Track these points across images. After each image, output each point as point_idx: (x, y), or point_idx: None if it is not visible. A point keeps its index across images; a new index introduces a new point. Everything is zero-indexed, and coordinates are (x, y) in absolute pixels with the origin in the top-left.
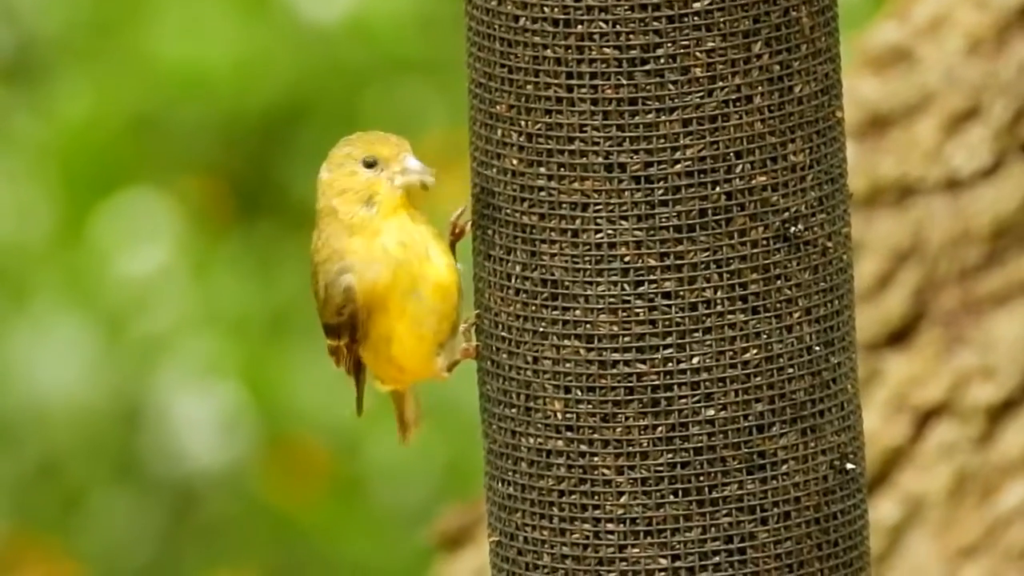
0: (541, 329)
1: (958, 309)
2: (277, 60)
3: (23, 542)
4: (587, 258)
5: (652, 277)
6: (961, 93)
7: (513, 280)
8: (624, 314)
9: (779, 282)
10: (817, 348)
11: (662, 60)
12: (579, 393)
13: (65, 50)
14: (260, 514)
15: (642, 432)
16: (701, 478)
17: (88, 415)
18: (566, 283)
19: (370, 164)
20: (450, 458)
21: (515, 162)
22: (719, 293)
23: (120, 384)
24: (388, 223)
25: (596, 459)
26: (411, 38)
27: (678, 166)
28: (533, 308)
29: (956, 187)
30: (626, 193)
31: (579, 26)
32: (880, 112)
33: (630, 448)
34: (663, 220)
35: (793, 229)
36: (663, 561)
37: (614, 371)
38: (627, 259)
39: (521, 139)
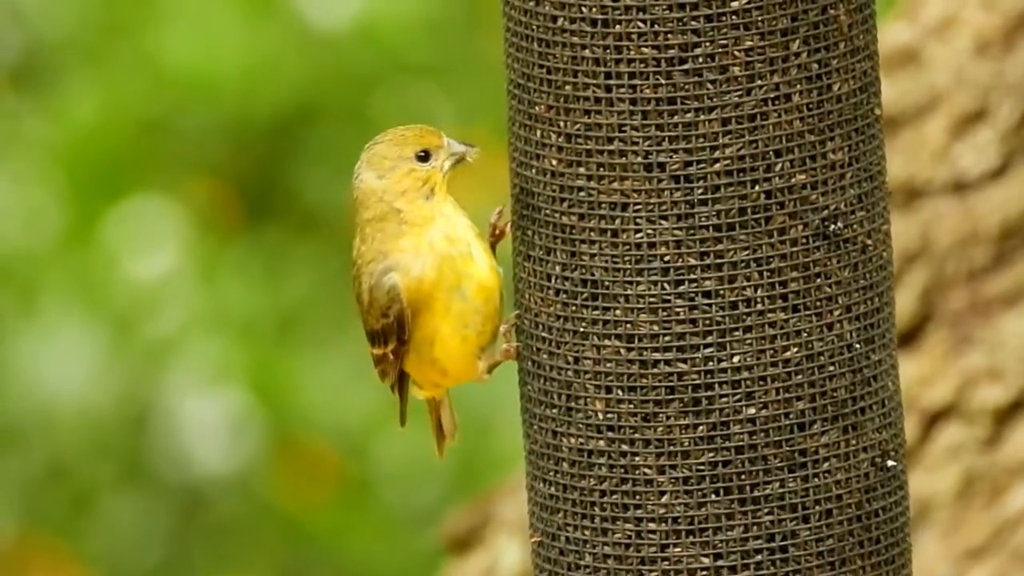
0: (582, 329)
1: (966, 310)
2: (285, 64)
3: (31, 545)
4: (627, 258)
5: (692, 276)
6: (969, 94)
7: (553, 280)
8: (664, 313)
9: (819, 280)
10: (858, 346)
11: (700, 59)
12: (620, 393)
13: (73, 53)
14: (269, 517)
15: (683, 431)
16: (743, 477)
17: (96, 418)
18: (606, 283)
19: (424, 157)
20: (459, 459)
21: (554, 162)
22: (759, 292)
23: (128, 387)
24: (442, 208)
25: (637, 459)
26: (418, 42)
27: (717, 165)
28: (573, 308)
29: (964, 188)
30: (665, 192)
31: (617, 26)
32: (889, 113)
33: (671, 447)
34: (703, 219)
35: (833, 227)
36: (705, 560)
37: (655, 371)
38: (667, 258)
39: (560, 139)
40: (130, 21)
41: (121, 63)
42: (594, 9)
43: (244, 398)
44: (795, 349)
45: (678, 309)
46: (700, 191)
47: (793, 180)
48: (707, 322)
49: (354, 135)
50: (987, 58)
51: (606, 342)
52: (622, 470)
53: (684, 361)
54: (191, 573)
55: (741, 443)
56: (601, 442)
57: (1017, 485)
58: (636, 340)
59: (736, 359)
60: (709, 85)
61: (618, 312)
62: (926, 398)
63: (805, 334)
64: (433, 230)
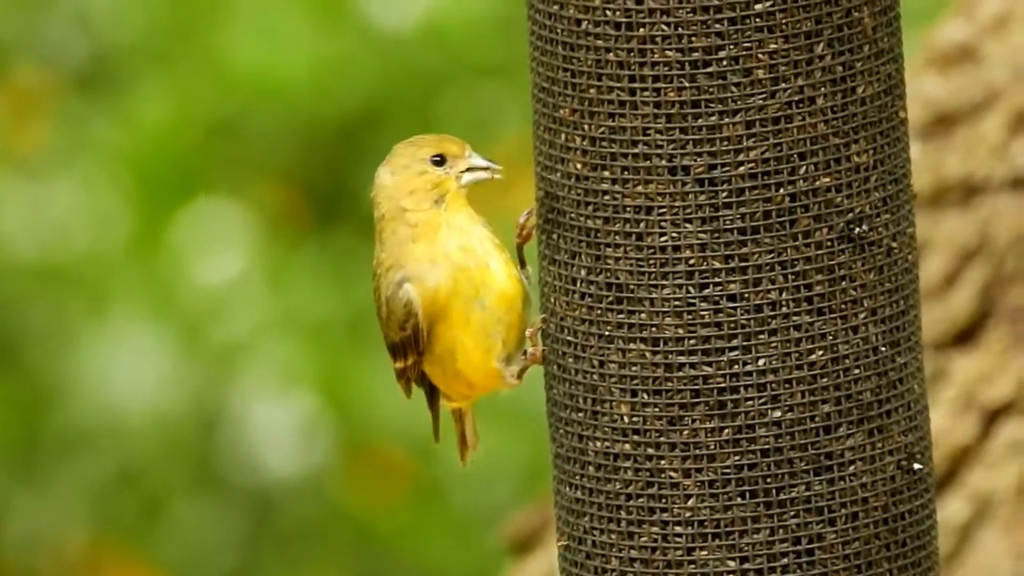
0: (607, 333)
1: None
2: (353, 66)
3: (103, 550)
4: (652, 261)
5: (717, 280)
6: None
7: (578, 284)
8: (689, 317)
9: (844, 283)
10: (883, 348)
11: (724, 62)
12: (645, 396)
13: (142, 57)
14: (339, 520)
15: (709, 435)
16: (768, 480)
17: (167, 423)
18: (631, 287)
19: (439, 161)
20: (528, 461)
21: (579, 166)
22: (784, 295)
23: (198, 391)
24: (454, 218)
25: (663, 462)
26: (486, 42)
27: (742, 168)
28: (598, 312)
29: (1022, 185)
30: (690, 196)
31: (641, 29)
32: (946, 110)
33: (697, 451)
34: (727, 222)
35: (858, 230)
36: (731, 563)
37: (680, 374)
38: (692, 262)
39: (585, 143)
40: (198, 24)
41: (189, 66)
42: (618, 12)
43: (314, 402)
44: (820, 352)
45: (703, 312)
46: (724, 194)
47: (817, 183)
48: (732, 325)
49: None
50: None
51: (631, 346)
52: (648, 474)
53: (709, 364)
54: None
55: (767, 446)
56: (627, 446)
57: None
58: (661, 344)
59: (761, 362)
60: (733, 88)
61: (643, 316)
62: (986, 395)
63: (830, 337)
64: (447, 240)
